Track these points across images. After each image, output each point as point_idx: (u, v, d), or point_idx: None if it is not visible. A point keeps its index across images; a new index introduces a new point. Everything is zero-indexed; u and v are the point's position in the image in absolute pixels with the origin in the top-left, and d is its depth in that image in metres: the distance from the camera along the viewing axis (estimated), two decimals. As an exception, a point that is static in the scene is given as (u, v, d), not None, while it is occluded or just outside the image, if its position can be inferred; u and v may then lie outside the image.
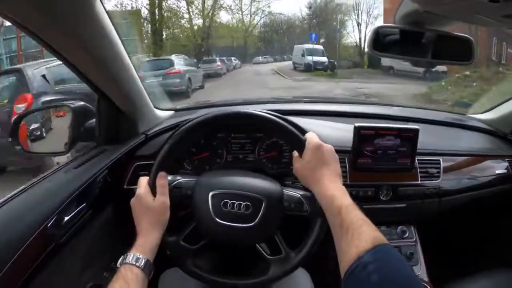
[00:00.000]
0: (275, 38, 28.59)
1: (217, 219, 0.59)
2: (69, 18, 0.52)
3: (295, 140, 0.61)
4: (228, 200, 0.60)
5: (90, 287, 0.73)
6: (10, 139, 0.86)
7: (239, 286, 0.63)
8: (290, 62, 20.18)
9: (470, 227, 1.07)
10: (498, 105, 1.14)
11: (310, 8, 25.37)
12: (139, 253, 0.53)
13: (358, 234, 0.44)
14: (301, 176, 0.59)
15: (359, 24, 22.25)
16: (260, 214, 0.60)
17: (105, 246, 0.80)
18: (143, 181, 0.62)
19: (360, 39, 21.94)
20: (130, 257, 0.53)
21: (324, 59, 16.43)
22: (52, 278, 0.60)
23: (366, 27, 21.64)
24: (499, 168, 0.97)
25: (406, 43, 0.65)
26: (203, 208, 0.60)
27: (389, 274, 0.39)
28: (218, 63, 15.25)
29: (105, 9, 0.56)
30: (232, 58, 19.83)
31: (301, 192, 0.62)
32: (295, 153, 0.62)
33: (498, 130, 1.07)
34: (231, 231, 0.59)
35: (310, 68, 15.91)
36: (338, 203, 0.49)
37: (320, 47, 18.25)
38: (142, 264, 0.52)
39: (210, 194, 0.60)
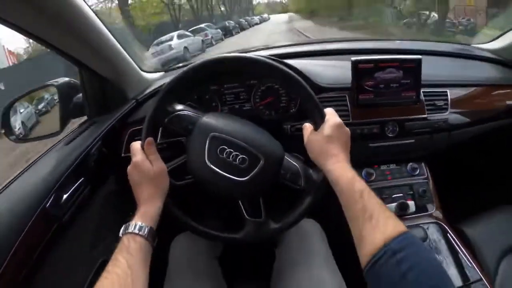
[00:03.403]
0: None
1: (208, 163, 0.56)
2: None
3: (317, 112, 0.57)
4: (226, 147, 0.57)
5: (102, 261, 0.72)
6: (3, 131, 0.84)
7: (207, 235, 0.61)
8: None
9: (482, 161, 1.04)
10: (504, 33, 1.07)
11: None
12: (141, 222, 0.51)
13: (384, 220, 0.42)
14: (315, 148, 0.55)
15: None
16: (253, 172, 0.56)
17: (113, 218, 0.79)
18: (137, 146, 0.58)
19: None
20: (132, 226, 0.50)
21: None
22: (61, 257, 0.60)
23: None
24: (509, 98, 0.92)
25: None
26: (198, 147, 0.57)
27: (419, 261, 0.38)
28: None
29: None
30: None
31: (301, 165, 0.59)
32: (308, 125, 0.58)
33: (506, 59, 1.01)
34: (219, 179, 0.56)
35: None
36: (360, 187, 0.47)
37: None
38: (145, 232, 0.50)
39: (210, 135, 0.57)
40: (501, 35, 1.09)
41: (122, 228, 0.51)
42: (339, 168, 0.50)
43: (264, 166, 0.57)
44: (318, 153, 0.55)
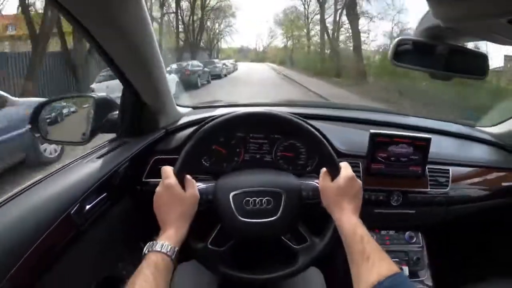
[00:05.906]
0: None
1: (241, 218, 0.61)
2: (116, 11, 0.54)
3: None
4: (249, 198, 0.62)
5: (105, 278, 0.74)
6: (29, 126, 0.88)
7: (270, 279, 0.63)
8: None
9: (476, 236, 1.10)
10: (506, 120, 1.17)
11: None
12: (169, 242, 0.52)
13: (379, 261, 0.48)
14: (327, 197, 0.61)
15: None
16: (281, 207, 0.62)
17: (120, 237, 0.82)
18: (170, 171, 0.59)
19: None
20: (160, 245, 0.51)
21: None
22: (71, 266, 0.62)
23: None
24: (505, 180, 1.00)
25: (424, 55, 0.68)
26: (226, 209, 0.62)
27: None
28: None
29: (148, 10, 0.59)
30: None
31: (317, 181, 0.64)
32: (325, 171, 0.63)
33: (506, 144, 1.09)
34: (256, 226, 0.61)
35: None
36: (360, 232, 0.53)
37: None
38: (173, 254, 0.52)
39: (231, 195, 0.63)
40: (503, 121, 1.19)
41: (148, 245, 0.53)
42: (345, 217, 0.57)
43: (287, 197, 0.63)
44: (329, 202, 0.61)
